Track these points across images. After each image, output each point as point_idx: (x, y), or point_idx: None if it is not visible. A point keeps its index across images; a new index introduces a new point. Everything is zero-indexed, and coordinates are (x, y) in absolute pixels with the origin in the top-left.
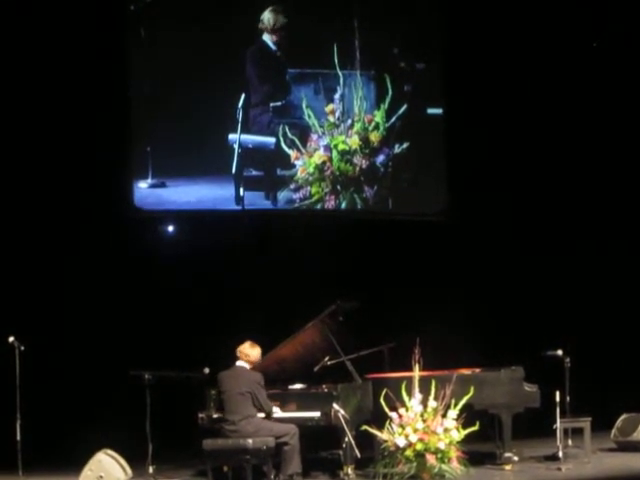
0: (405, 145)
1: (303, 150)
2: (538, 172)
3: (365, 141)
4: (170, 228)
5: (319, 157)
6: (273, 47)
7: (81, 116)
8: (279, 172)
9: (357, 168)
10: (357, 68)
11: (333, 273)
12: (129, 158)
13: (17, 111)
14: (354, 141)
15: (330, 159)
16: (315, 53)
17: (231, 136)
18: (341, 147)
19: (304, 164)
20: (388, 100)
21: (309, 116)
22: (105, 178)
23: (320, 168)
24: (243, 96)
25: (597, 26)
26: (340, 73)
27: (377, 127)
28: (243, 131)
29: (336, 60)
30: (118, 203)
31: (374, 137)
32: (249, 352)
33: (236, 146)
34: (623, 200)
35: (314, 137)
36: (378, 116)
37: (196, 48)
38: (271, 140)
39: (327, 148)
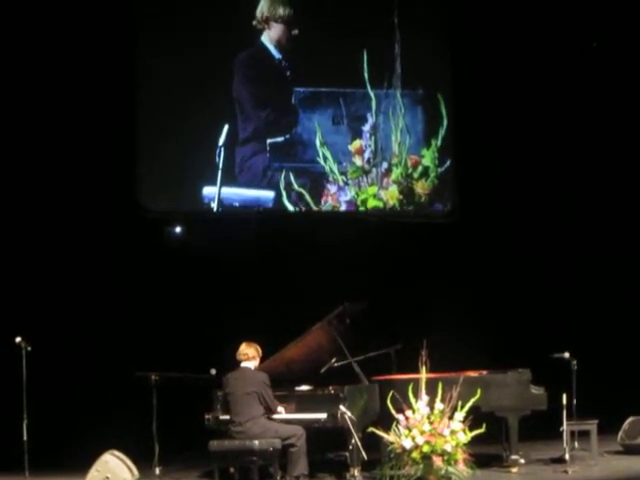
0: None
1: (315, 208)
2: (544, 173)
3: (408, 194)
4: (178, 229)
5: None
6: (275, 53)
7: (87, 122)
8: None
9: None
10: (397, 86)
11: (340, 275)
12: (136, 158)
13: (27, 116)
14: (392, 194)
15: None
16: (335, 65)
17: (207, 190)
18: (372, 203)
19: None
20: (442, 133)
21: (325, 158)
22: (112, 179)
23: None
24: (226, 128)
25: (597, 26)
26: (372, 93)
27: (426, 173)
28: (226, 182)
29: (366, 74)
30: (125, 204)
31: (421, 188)
32: (247, 351)
33: (215, 205)
34: (630, 202)
35: (332, 189)
36: (428, 157)
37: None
38: (268, 195)
39: (351, 204)
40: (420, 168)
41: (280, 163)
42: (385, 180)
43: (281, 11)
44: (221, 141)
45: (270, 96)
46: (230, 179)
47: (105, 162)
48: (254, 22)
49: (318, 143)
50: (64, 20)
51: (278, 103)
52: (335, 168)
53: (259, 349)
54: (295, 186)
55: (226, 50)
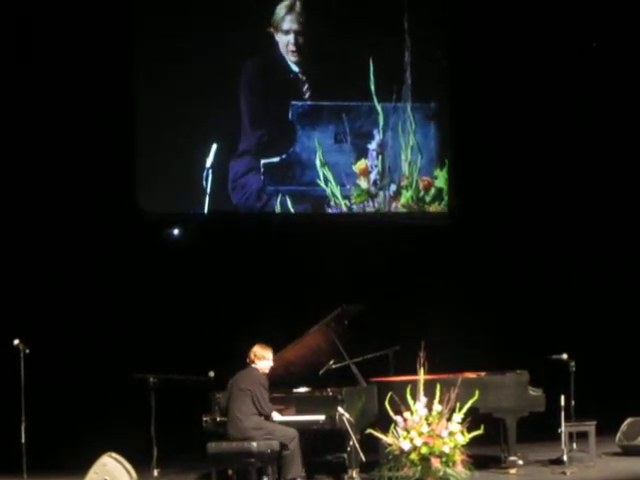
0: None
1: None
2: (542, 174)
3: None
4: (176, 231)
5: None
6: (293, 66)
7: (88, 125)
8: None
9: None
10: (407, 99)
11: (338, 277)
12: (134, 159)
13: (27, 119)
14: None
15: None
16: (337, 75)
17: None
18: None
19: None
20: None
21: (326, 180)
22: (111, 181)
23: None
24: (214, 148)
25: (597, 26)
26: (379, 107)
27: (440, 196)
28: (216, 202)
29: (372, 86)
30: (124, 206)
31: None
32: (250, 353)
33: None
34: (628, 202)
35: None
36: (441, 178)
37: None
38: None
39: None
40: (433, 190)
41: (275, 186)
42: (394, 204)
43: (282, 17)
44: (209, 162)
45: (273, 109)
46: (222, 197)
47: (104, 163)
48: (271, 28)
49: (318, 163)
50: (64, 24)
51: (275, 119)
52: (337, 191)
53: (259, 352)
54: (293, 212)
55: (231, 55)
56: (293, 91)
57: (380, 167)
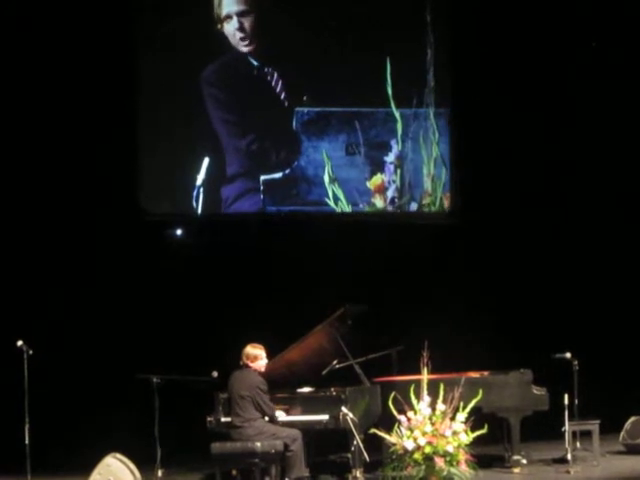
0: None
1: None
2: (543, 174)
3: None
4: (178, 232)
5: None
6: (252, 60)
7: (88, 123)
8: None
9: None
10: (429, 104)
11: (341, 276)
12: (136, 160)
13: (28, 121)
14: None
15: None
16: (349, 77)
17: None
18: None
19: None
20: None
21: (336, 199)
22: (112, 182)
23: None
24: (207, 162)
25: (597, 26)
26: (397, 114)
27: None
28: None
29: (389, 89)
30: (126, 207)
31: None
32: (243, 354)
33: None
34: (629, 200)
35: None
36: None
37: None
38: None
39: None
40: None
41: (277, 206)
42: None
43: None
44: (199, 179)
45: (254, 119)
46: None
47: (105, 165)
48: (218, 25)
49: (327, 179)
50: (65, 24)
51: (270, 127)
52: (348, 211)
53: (251, 353)
54: (293, 212)
55: (197, 62)
56: (295, 96)
57: (399, 183)
